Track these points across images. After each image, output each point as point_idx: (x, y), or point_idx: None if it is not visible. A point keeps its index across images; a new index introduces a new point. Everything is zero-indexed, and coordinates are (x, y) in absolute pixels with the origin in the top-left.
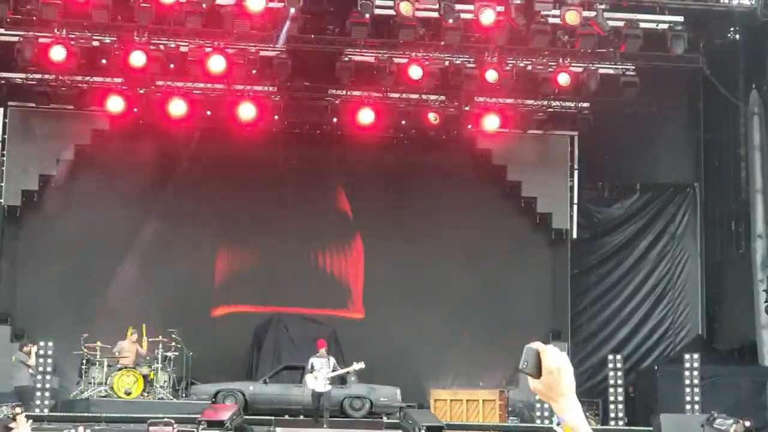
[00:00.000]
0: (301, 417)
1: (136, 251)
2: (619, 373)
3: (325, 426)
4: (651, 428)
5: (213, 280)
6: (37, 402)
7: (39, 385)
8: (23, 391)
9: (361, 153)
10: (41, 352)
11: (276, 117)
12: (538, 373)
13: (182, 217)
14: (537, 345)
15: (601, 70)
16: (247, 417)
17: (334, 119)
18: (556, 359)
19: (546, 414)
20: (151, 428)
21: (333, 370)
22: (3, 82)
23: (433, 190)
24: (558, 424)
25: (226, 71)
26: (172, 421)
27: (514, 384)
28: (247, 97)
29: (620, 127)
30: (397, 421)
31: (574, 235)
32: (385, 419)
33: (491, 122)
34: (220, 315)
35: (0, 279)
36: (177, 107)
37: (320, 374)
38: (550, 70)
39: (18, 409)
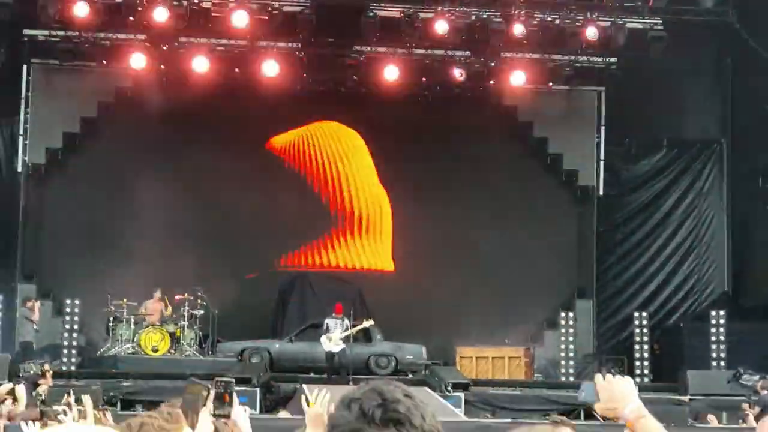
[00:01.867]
0: (327, 375)
1: (161, 208)
2: (645, 330)
3: (350, 383)
4: (677, 384)
5: (239, 237)
6: (65, 359)
7: (66, 343)
8: (26, 346)
9: (385, 110)
10: (68, 309)
11: (301, 74)
12: (597, 399)
13: (206, 174)
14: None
15: (628, 24)
16: (273, 374)
17: (357, 77)
18: (607, 377)
19: (570, 371)
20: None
21: (345, 330)
22: (26, 39)
23: (459, 147)
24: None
25: (250, 27)
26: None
27: (539, 341)
28: (271, 53)
29: (647, 83)
30: (423, 378)
31: (600, 192)
32: (410, 377)
33: (517, 78)
34: (248, 275)
35: (25, 237)
36: (200, 64)
37: (333, 335)
38: (577, 24)
39: (46, 366)
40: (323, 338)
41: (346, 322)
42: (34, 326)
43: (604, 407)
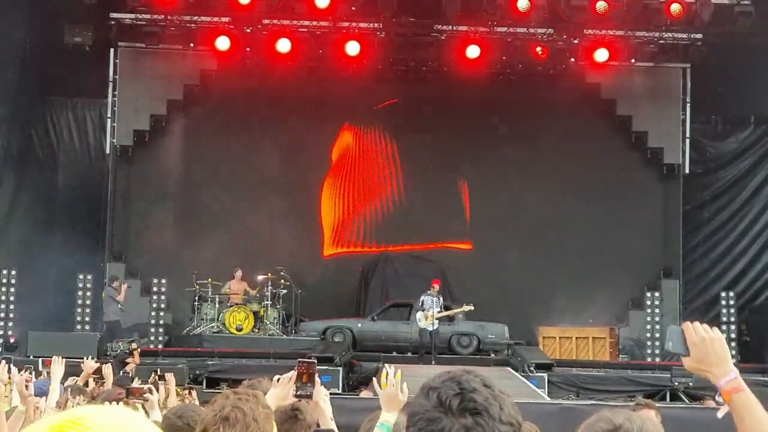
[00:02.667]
0: (409, 353)
1: (246, 189)
2: (732, 311)
3: (433, 363)
4: (765, 366)
5: (321, 219)
6: (152, 338)
7: (153, 321)
8: (112, 326)
9: (467, 89)
10: (155, 289)
11: (387, 54)
12: (685, 350)
13: (290, 155)
14: (682, 326)
15: (714, 0)
16: (356, 353)
17: (436, 56)
18: (699, 332)
19: (657, 351)
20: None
21: (441, 310)
22: (113, 22)
23: (541, 126)
24: (719, 395)
25: (332, 8)
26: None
27: (624, 321)
28: (353, 34)
29: (734, 59)
30: (506, 358)
31: (686, 170)
32: (493, 356)
33: (600, 55)
34: (329, 256)
35: (113, 218)
36: (283, 45)
37: (430, 313)
38: (661, 0)
39: (134, 344)
40: (419, 314)
41: (442, 300)
42: (120, 306)
43: (695, 366)
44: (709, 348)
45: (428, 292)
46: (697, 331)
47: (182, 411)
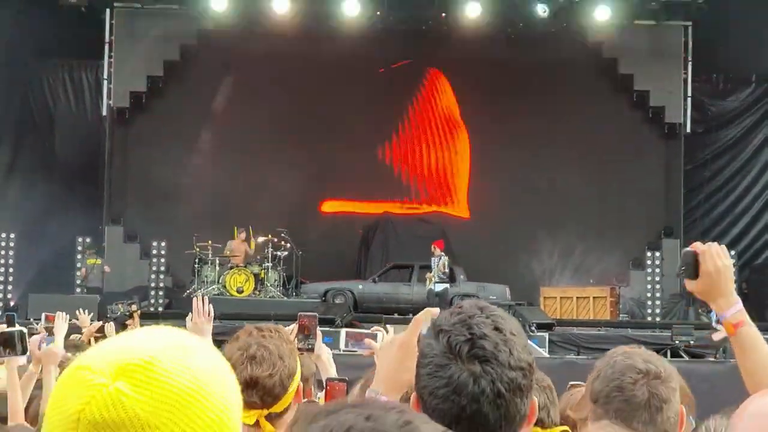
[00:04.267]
0: (410, 315)
1: (245, 150)
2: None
3: None
4: (766, 324)
5: (318, 176)
6: (152, 300)
7: (153, 284)
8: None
9: (467, 47)
10: (154, 252)
11: (379, 12)
12: (694, 274)
13: (289, 116)
14: (696, 246)
15: None
16: (357, 315)
17: (444, 14)
18: (715, 261)
19: (657, 311)
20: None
21: (446, 271)
22: None
23: (542, 85)
24: (717, 322)
25: None
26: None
27: (625, 281)
28: None
29: (736, 17)
30: None
31: (688, 129)
32: None
33: (602, 13)
34: (328, 212)
35: (111, 181)
36: (280, 4)
37: (430, 274)
38: None
39: (134, 306)
40: (428, 275)
41: (444, 259)
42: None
43: (700, 292)
44: (722, 278)
45: (433, 254)
46: (713, 258)
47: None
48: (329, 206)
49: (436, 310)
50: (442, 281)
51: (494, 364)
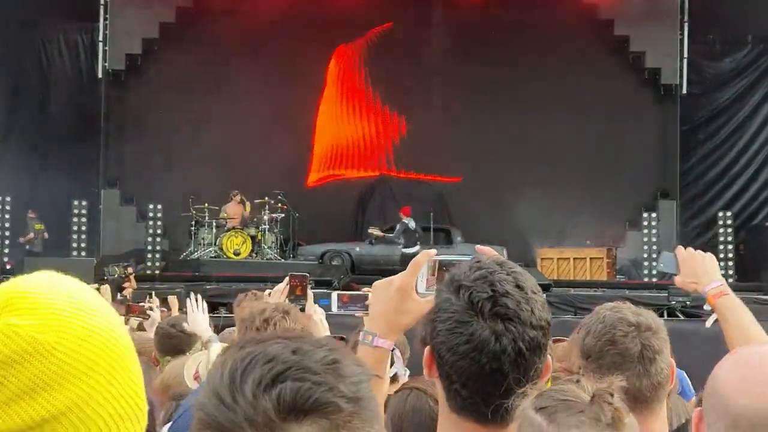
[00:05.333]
0: None
1: (240, 112)
2: (729, 230)
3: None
4: (762, 284)
5: (311, 145)
6: (149, 263)
7: (150, 247)
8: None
9: (458, 8)
10: (151, 214)
11: None
12: (677, 270)
13: (282, 79)
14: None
15: None
16: (354, 277)
17: None
18: (690, 251)
19: (654, 272)
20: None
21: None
22: None
23: (538, 47)
24: (707, 304)
25: None
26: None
27: (621, 242)
28: None
29: None
30: None
31: (684, 91)
32: None
33: None
34: (320, 183)
35: (107, 144)
36: None
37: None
38: None
39: (130, 269)
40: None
41: (412, 224)
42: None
43: (684, 281)
44: (698, 262)
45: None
46: (688, 250)
47: (175, 320)
48: (320, 177)
49: (433, 251)
50: (411, 243)
51: (516, 323)
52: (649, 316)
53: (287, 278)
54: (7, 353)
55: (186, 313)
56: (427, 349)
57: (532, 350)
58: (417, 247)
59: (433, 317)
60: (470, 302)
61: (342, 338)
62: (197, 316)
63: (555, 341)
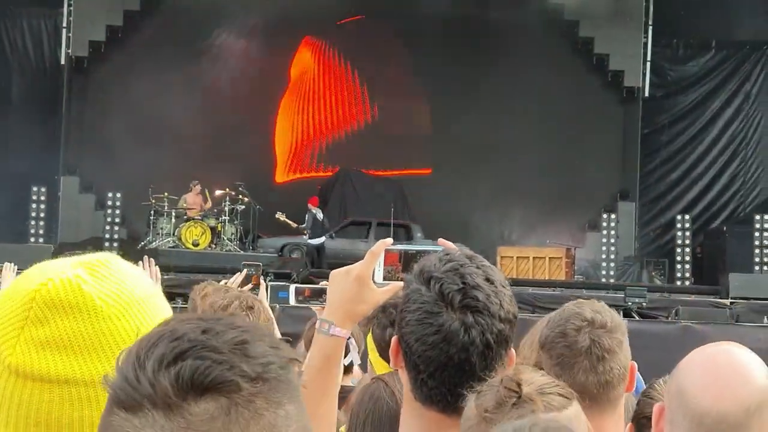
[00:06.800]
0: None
1: (202, 104)
2: (687, 233)
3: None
4: (718, 287)
5: (275, 142)
6: (106, 251)
7: (108, 236)
8: None
9: (424, 5)
10: (110, 203)
11: None
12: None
13: (247, 70)
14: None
15: None
16: (313, 270)
17: None
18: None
19: (611, 273)
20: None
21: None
22: None
23: (501, 45)
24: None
25: None
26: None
27: (581, 242)
28: None
29: None
30: None
31: (646, 94)
32: None
33: None
34: (283, 182)
35: (69, 130)
36: None
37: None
38: None
39: None
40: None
41: (320, 215)
42: None
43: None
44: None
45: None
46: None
47: None
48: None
49: (390, 240)
50: (316, 235)
51: (485, 315)
52: (608, 316)
53: (243, 269)
54: (63, 300)
55: None
56: (393, 338)
57: (499, 342)
58: (322, 239)
59: (402, 307)
60: (441, 293)
61: (288, 340)
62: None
63: None
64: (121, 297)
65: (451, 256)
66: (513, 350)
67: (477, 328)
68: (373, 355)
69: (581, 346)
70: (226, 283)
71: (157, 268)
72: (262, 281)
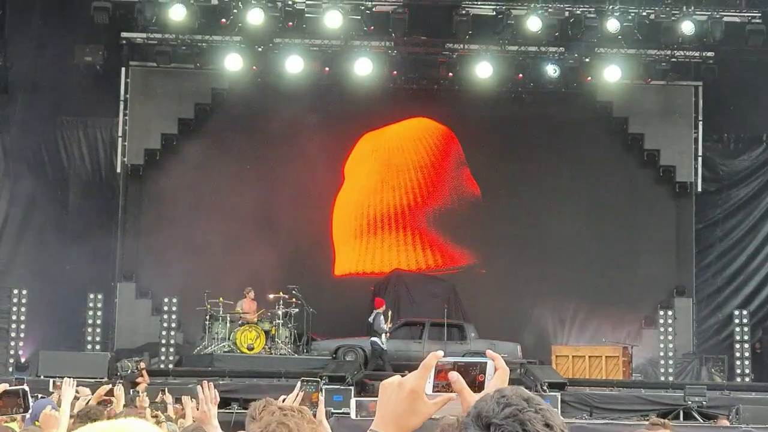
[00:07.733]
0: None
1: (255, 209)
2: (746, 329)
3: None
4: None
5: (330, 241)
6: (162, 357)
7: (164, 341)
8: None
9: (479, 107)
10: (166, 308)
11: (393, 72)
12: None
13: (300, 174)
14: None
15: (725, 18)
16: (368, 372)
17: (451, 74)
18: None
19: (670, 371)
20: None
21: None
22: (124, 42)
23: (553, 144)
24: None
25: (343, 26)
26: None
27: (638, 340)
28: (364, 52)
29: (746, 77)
30: (519, 377)
31: (699, 188)
32: None
33: (612, 73)
34: (340, 276)
35: (124, 237)
36: (294, 64)
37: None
38: (673, 18)
39: (143, 364)
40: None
41: (384, 315)
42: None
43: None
44: None
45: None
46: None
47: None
48: (340, 271)
49: (440, 353)
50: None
51: None
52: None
53: (299, 384)
54: None
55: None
56: None
57: None
58: (384, 338)
59: None
60: None
61: None
62: (210, 411)
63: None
64: None
65: (508, 399)
66: None
67: None
68: None
69: None
70: (284, 400)
71: (216, 391)
72: (320, 398)
